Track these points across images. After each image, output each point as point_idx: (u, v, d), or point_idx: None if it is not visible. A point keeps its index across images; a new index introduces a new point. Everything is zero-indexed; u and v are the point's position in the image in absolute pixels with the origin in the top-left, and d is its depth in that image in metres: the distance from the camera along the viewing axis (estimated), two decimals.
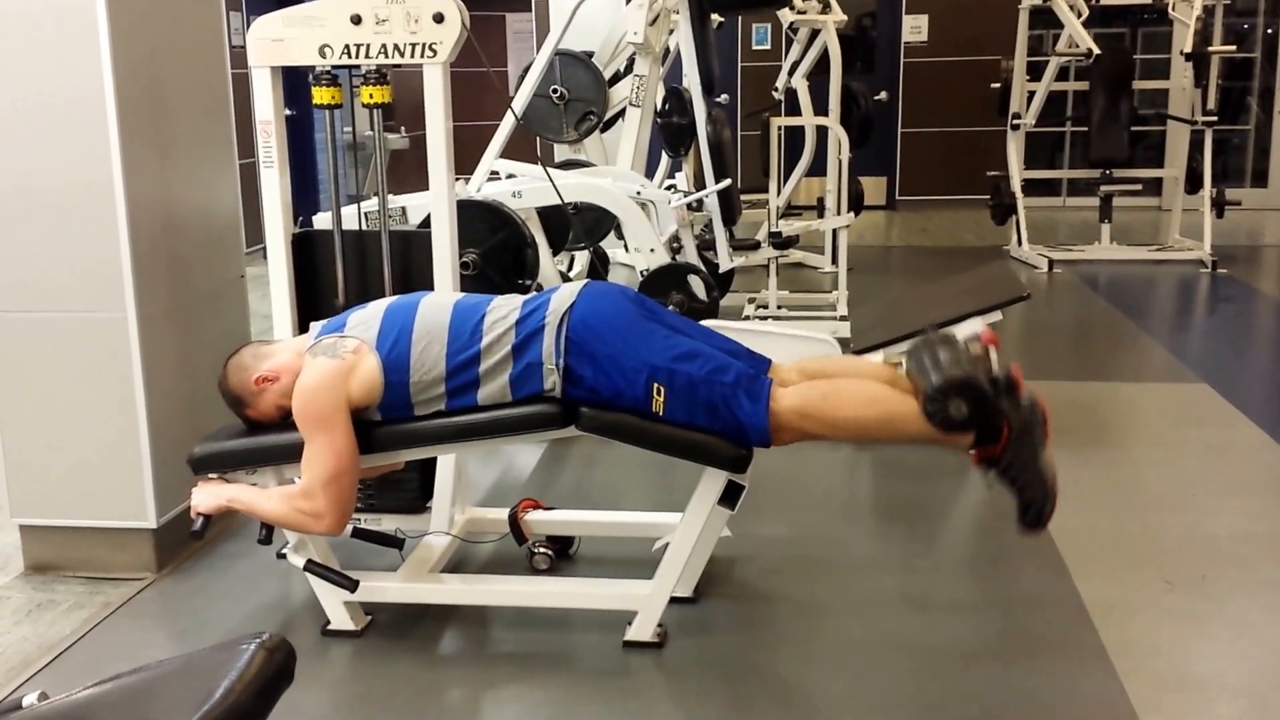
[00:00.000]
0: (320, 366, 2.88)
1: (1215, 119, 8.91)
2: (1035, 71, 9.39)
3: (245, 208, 4.10)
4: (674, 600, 3.14)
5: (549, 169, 4.53)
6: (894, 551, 3.76)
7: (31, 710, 1.65)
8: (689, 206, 5.77)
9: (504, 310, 2.94)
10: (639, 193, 5.48)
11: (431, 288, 3.39)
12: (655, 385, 2.81)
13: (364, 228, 3.80)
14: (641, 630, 3.09)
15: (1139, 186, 9.84)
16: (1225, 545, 3.68)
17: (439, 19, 3.19)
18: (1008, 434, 2.76)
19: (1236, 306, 7.85)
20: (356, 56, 3.24)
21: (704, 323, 3.30)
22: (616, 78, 6.21)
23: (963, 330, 2.88)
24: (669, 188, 6.22)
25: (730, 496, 2.96)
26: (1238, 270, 8.56)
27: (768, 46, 12.13)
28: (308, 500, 2.86)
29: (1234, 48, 9.26)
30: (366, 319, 2.98)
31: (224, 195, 3.95)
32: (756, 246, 6.97)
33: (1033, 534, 2.84)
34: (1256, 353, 6.74)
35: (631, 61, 6.00)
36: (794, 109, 8.38)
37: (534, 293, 3.24)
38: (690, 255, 5.80)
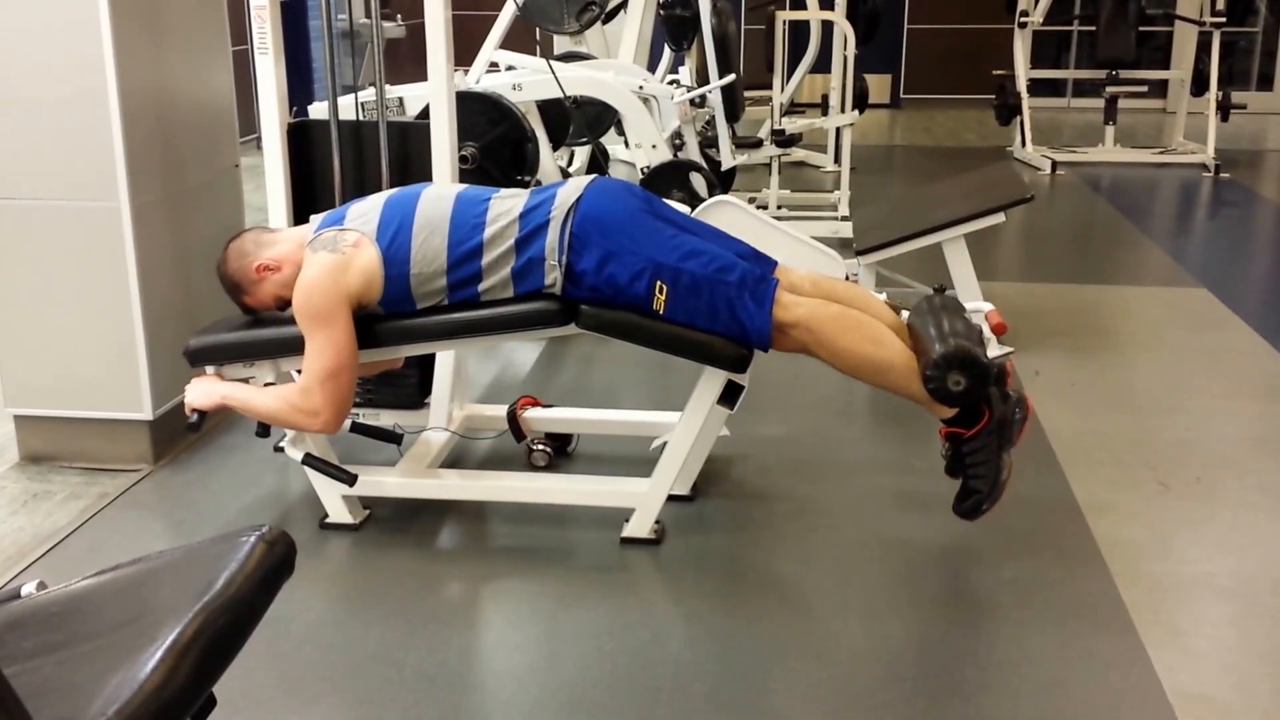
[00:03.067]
0: (320, 262, 2.84)
1: (1224, 20, 8.78)
2: None
3: (238, 97, 4.03)
4: (671, 498, 3.15)
5: (550, 61, 4.44)
6: (891, 452, 3.77)
7: (30, 599, 1.65)
8: (692, 102, 5.68)
9: (508, 203, 2.90)
10: (641, 87, 5.40)
11: (430, 181, 3.35)
12: (658, 283, 2.78)
13: (361, 119, 3.74)
14: (639, 527, 3.10)
15: (1144, 88, 9.72)
16: (1220, 449, 3.69)
17: None
18: (986, 422, 2.77)
19: (1238, 211, 7.80)
20: None
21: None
22: None
23: (972, 304, 2.88)
24: (671, 82, 6.13)
25: (729, 396, 2.96)
26: (1240, 174, 8.50)
27: None
28: (304, 397, 2.84)
29: None
30: (366, 211, 2.93)
31: (217, 83, 3.87)
32: (759, 144, 6.89)
33: (964, 519, 2.88)
34: (1256, 258, 6.71)
35: None
36: (799, 2, 8.22)
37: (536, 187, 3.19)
38: (692, 152, 5.73)
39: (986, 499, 2.81)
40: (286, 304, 2.99)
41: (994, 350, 2.84)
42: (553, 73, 4.16)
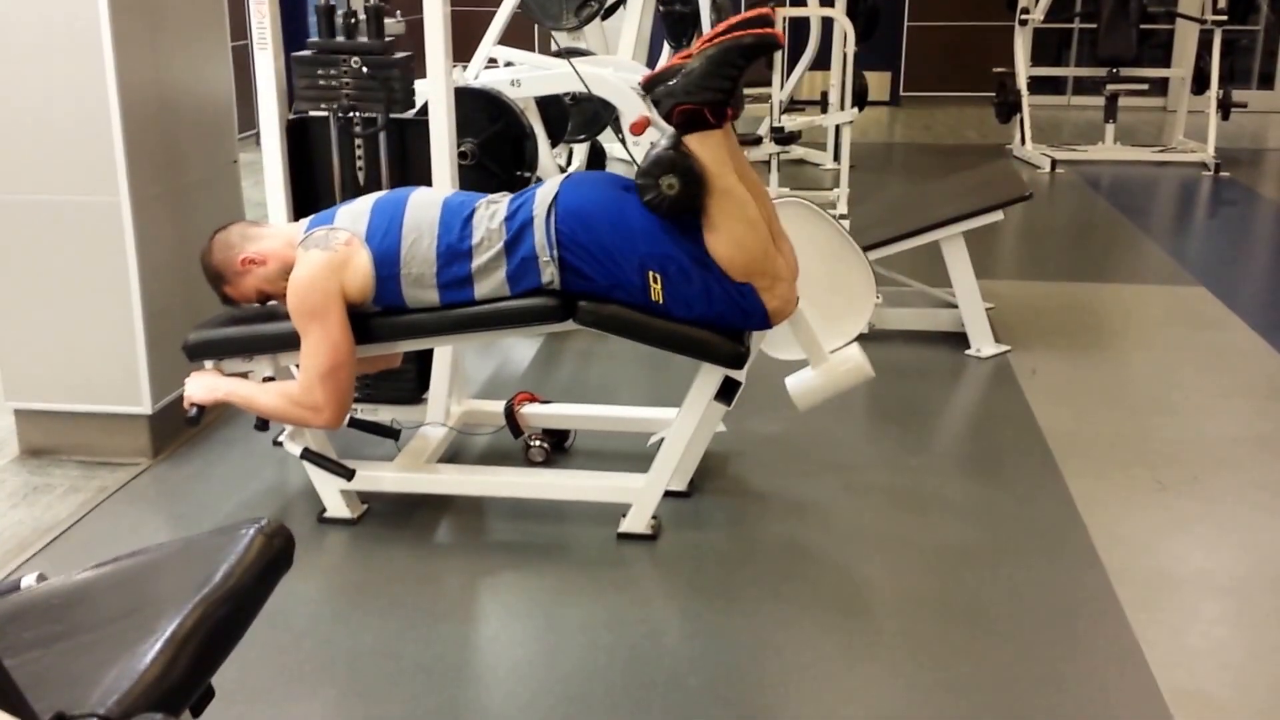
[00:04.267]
0: (314, 259, 2.85)
1: (1225, 18, 8.77)
2: None
3: (237, 92, 4.04)
4: (668, 494, 3.16)
5: (570, 59, 4.43)
6: (887, 450, 3.78)
7: (30, 591, 1.66)
8: None
9: (492, 208, 2.91)
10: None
11: (429, 177, 3.36)
12: (650, 273, 2.79)
13: None
14: (635, 523, 3.11)
15: (1145, 86, 9.71)
16: (1217, 447, 3.70)
17: None
18: (702, 108, 2.69)
19: (1237, 210, 7.80)
20: None
21: None
22: None
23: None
24: None
25: (727, 392, 2.97)
26: (1240, 173, 8.50)
27: None
28: (306, 394, 2.85)
29: None
30: (355, 213, 2.94)
31: (217, 79, 3.88)
32: (758, 142, 6.89)
33: (768, 35, 2.69)
34: (1254, 257, 6.72)
35: None
36: None
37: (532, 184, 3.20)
38: None
39: (739, 32, 2.66)
40: (267, 298, 3.00)
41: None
42: (575, 70, 4.15)
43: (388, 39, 3.46)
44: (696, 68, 2.69)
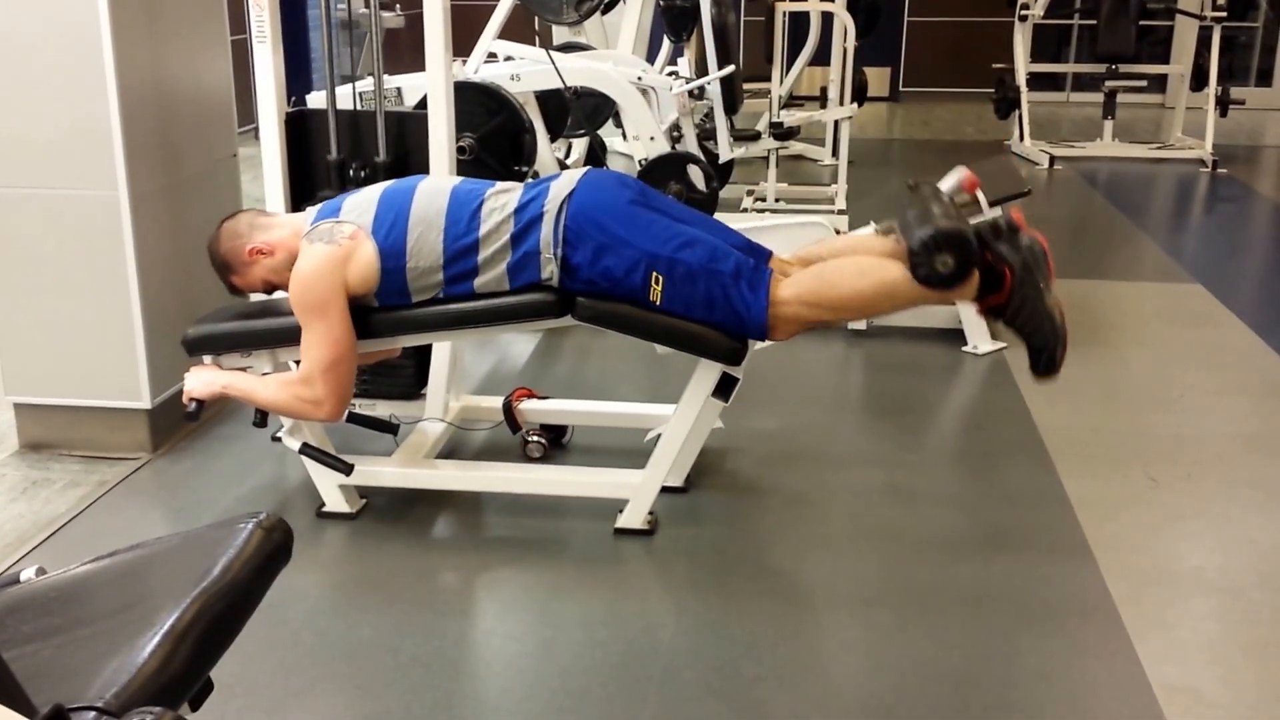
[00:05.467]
0: (317, 253, 2.85)
1: (1225, 15, 8.78)
2: None
3: (237, 86, 4.04)
4: (665, 490, 3.17)
5: (550, 52, 4.45)
6: (884, 446, 3.80)
7: (29, 584, 1.67)
8: (690, 94, 5.69)
9: (503, 199, 2.90)
10: (640, 78, 5.40)
11: (427, 171, 3.36)
12: (654, 275, 2.79)
13: (358, 108, 3.75)
14: (632, 518, 3.12)
15: (1144, 83, 9.73)
16: (1211, 445, 3.71)
17: None
18: (1010, 279, 2.69)
19: (1234, 207, 7.82)
20: None
21: None
22: None
23: (947, 181, 2.82)
24: (670, 74, 6.14)
25: (724, 389, 2.98)
26: (1237, 170, 8.51)
27: None
28: (306, 387, 2.86)
29: None
30: (362, 204, 2.94)
31: (216, 73, 3.89)
32: (757, 137, 6.89)
33: (1046, 379, 2.78)
34: (1251, 254, 6.73)
35: None
36: None
37: (532, 179, 3.21)
38: (690, 144, 5.74)
39: (1055, 348, 2.72)
40: (274, 288, 3.01)
41: (988, 213, 2.76)
42: (553, 63, 4.16)
43: (386, 28, 3.46)
44: (1042, 301, 2.68)
